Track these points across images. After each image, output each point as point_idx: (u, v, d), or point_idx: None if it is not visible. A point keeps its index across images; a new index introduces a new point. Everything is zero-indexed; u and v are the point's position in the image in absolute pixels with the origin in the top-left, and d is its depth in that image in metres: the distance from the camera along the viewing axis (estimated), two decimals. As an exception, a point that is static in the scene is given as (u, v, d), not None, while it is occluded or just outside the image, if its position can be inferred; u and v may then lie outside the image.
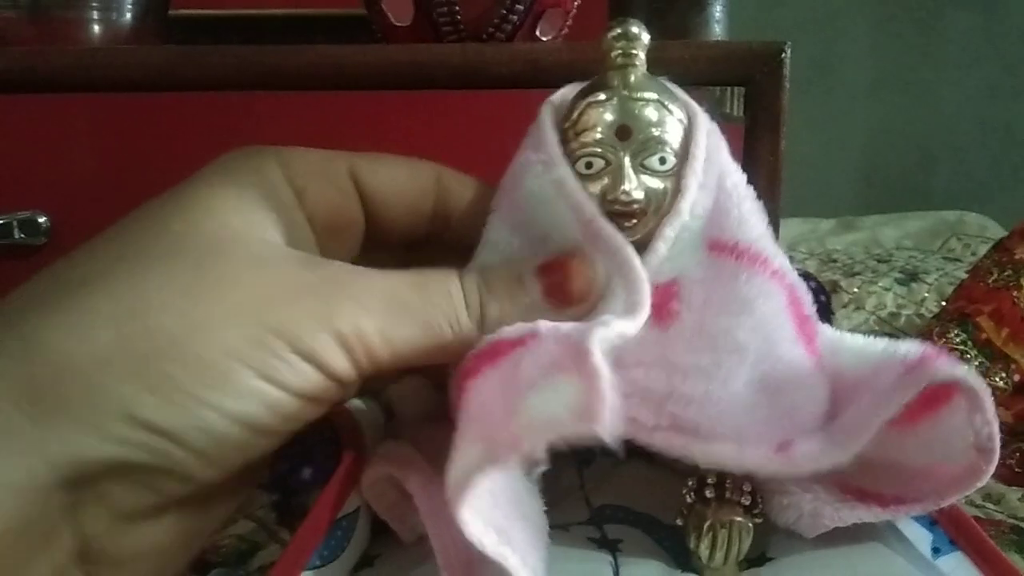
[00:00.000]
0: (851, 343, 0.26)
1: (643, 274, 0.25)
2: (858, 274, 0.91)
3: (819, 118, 1.43)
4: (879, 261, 0.99)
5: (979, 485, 0.25)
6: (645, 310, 0.24)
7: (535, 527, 0.23)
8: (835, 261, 1.01)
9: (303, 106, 0.54)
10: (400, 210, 0.29)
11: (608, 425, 0.18)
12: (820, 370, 0.25)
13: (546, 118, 0.27)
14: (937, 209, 1.21)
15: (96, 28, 0.64)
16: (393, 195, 0.28)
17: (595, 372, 0.19)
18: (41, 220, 0.52)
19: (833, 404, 0.26)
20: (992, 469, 0.24)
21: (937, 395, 0.24)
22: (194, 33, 0.57)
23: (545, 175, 0.26)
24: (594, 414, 0.18)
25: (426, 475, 0.23)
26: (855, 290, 0.86)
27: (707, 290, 0.25)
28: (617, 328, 0.22)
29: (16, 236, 0.51)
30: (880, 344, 0.26)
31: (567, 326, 0.22)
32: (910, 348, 0.24)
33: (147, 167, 0.54)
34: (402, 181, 0.28)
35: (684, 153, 0.26)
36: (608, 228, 0.25)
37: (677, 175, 0.25)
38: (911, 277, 0.89)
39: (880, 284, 0.86)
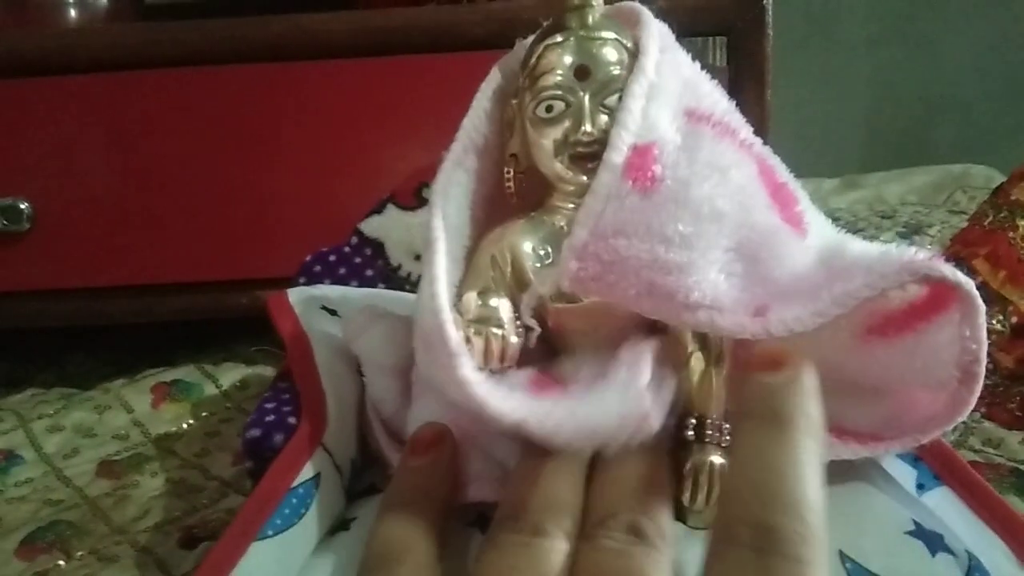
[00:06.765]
0: (857, 244, 0.26)
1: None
2: (861, 230, 0.90)
3: (818, 75, 1.40)
4: (883, 217, 0.97)
5: (959, 419, 0.24)
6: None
7: None
8: (838, 219, 0.99)
9: (279, 77, 0.54)
10: None
11: None
12: (800, 236, 0.26)
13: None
14: (942, 163, 1.18)
15: (72, 12, 0.64)
16: None
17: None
18: (23, 207, 0.51)
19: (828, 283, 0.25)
20: (974, 399, 0.23)
21: (931, 304, 0.23)
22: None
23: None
24: None
25: None
26: (857, 245, 0.85)
27: (687, 155, 0.24)
28: None
29: (-1, 224, 0.51)
30: (888, 246, 0.25)
31: None
32: (918, 249, 0.23)
33: (129, 148, 0.53)
34: None
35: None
36: None
37: (633, 57, 0.26)
38: (914, 231, 0.88)
39: (882, 238, 0.85)
